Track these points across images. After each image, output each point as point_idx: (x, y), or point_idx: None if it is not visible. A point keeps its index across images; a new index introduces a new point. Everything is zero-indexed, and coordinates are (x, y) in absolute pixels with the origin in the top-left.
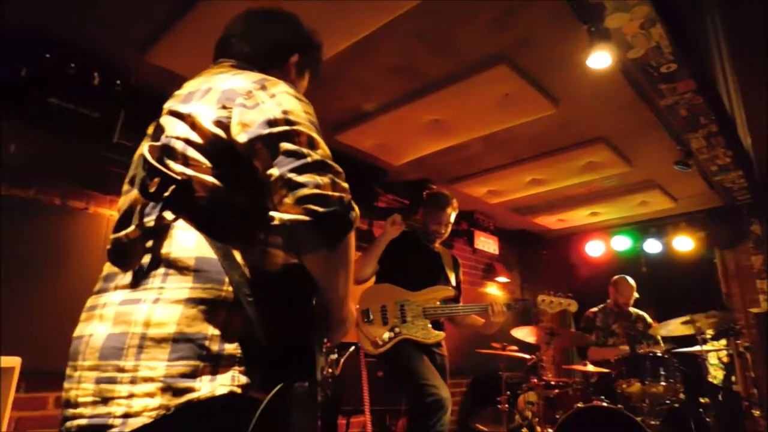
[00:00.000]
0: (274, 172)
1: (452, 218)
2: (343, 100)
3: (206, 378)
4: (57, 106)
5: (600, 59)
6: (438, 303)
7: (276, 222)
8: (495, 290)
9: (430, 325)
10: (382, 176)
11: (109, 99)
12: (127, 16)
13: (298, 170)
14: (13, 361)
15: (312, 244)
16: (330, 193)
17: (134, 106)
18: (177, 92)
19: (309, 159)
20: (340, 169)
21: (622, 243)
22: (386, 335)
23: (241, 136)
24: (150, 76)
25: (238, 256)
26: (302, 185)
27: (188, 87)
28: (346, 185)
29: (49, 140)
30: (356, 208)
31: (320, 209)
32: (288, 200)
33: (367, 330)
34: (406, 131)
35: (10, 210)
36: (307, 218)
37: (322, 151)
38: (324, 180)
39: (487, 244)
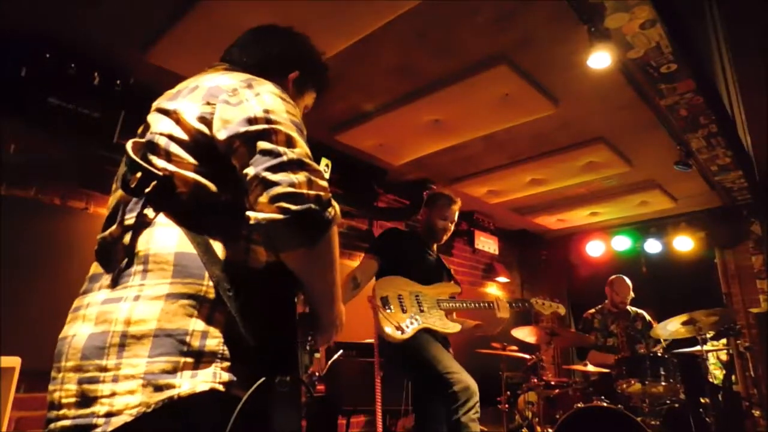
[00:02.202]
0: (250, 171)
1: (456, 216)
2: (343, 100)
3: (187, 374)
4: (57, 106)
5: (600, 59)
6: (448, 297)
7: (252, 221)
8: (495, 290)
9: (444, 316)
10: (382, 176)
11: (109, 99)
12: (127, 16)
13: (273, 169)
14: (13, 361)
15: (288, 242)
16: (305, 191)
17: (134, 106)
18: (167, 91)
19: (285, 158)
20: (319, 168)
21: (622, 243)
22: (409, 321)
23: (221, 133)
24: (150, 76)
25: (219, 251)
26: (276, 183)
27: (178, 86)
28: (324, 183)
29: (49, 140)
30: (336, 206)
31: (294, 207)
32: (262, 199)
33: (389, 316)
34: (406, 131)
35: (10, 210)
36: (280, 216)
37: (300, 150)
38: (299, 178)
39: (487, 244)
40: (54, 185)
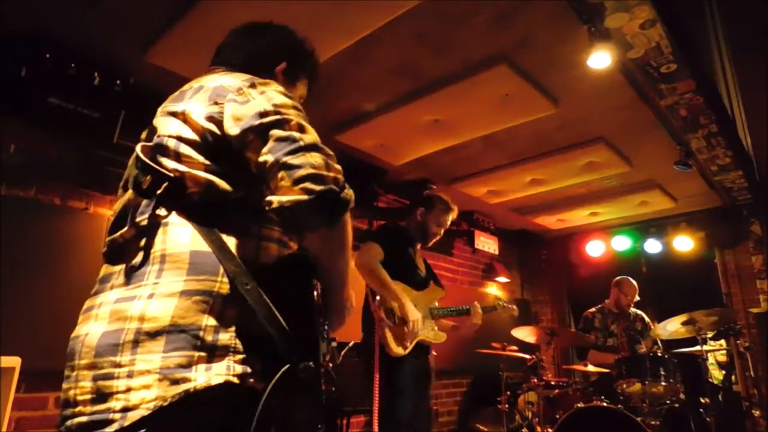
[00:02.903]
0: (269, 158)
1: (449, 223)
2: (343, 100)
3: (201, 368)
4: (57, 106)
5: (600, 59)
6: (435, 303)
7: (274, 205)
8: (495, 290)
9: (435, 326)
10: (382, 176)
11: (109, 99)
12: (127, 16)
13: (293, 153)
14: (13, 361)
15: (312, 222)
16: (325, 173)
17: (134, 106)
18: (171, 95)
19: (302, 142)
20: (332, 152)
21: (622, 243)
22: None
23: (233, 129)
24: (150, 76)
25: (232, 248)
26: (298, 167)
27: (181, 89)
28: (339, 167)
29: (49, 140)
30: (350, 189)
31: (318, 187)
32: (285, 183)
33: (395, 331)
34: (406, 131)
35: (10, 210)
36: (305, 197)
37: (313, 136)
38: (318, 161)
39: (487, 244)
40: (54, 185)
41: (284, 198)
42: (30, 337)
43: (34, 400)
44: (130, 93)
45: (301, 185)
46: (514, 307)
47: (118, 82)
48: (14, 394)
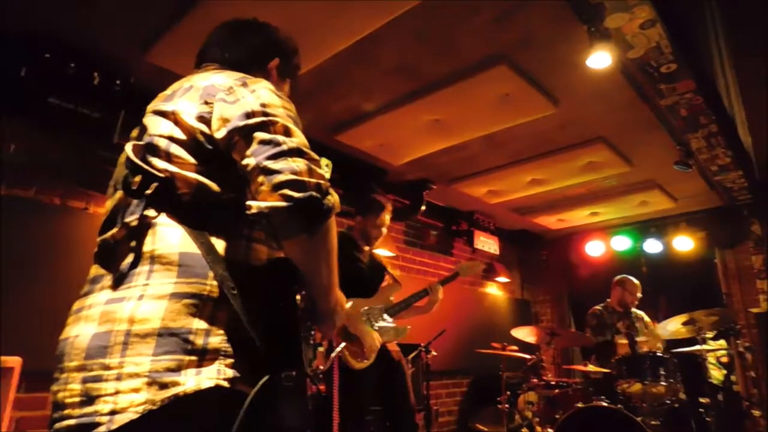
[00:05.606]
0: (251, 161)
1: (389, 219)
2: (343, 100)
3: (191, 371)
4: (57, 106)
5: (600, 59)
6: (391, 300)
7: (254, 210)
8: (495, 290)
9: (393, 323)
10: (382, 176)
11: (109, 99)
12: (127, 16)
13: (274, 157)
14: (13, 361)
15: (290, 229)
16: (306, 179)
17: (134, 106)
18: (160, 94)
19: (285, 146)
20: (317, 157)
21: (622, 243)
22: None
23: (220, 132)
24: (150, 76)
25: (221, 250)
26: (278, 172)
27: (171, 88)
28: (323, 172)
29: (49, 140)
30: (335, 194)
31: (297, 194)
32: (265, 187)
33: (351, 348)
34: (406, 131)
35: (10, 210)
36: (284, 204)
37: (299, 140)
38: (300, 166)
39: (487, 244)
40: (54, 185)
41: (263, 204)
42: (30, 337)
43: (34, 400)
44: (130, 93)
45: (280, 191)
46: (477, 262)
47: (118, 82)
48: (14, 394)
